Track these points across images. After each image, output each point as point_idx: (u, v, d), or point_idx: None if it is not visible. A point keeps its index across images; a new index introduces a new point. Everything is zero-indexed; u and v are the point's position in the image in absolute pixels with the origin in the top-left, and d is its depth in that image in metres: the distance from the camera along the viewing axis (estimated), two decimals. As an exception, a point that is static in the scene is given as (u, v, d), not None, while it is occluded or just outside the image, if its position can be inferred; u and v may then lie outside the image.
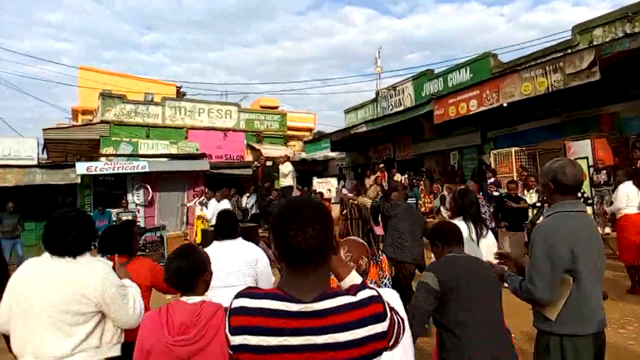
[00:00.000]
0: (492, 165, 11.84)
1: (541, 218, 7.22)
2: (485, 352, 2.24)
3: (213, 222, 10.50)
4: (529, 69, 10.16)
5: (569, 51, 10.45)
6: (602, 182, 9.17)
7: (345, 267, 1.47)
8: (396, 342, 1.35)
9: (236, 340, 1.23)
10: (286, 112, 23.32)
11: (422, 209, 12.80)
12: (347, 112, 21.20)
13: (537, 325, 2.42)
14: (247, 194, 14.66)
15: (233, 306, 1.28)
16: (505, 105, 10.81)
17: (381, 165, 15.95)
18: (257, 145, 19.58)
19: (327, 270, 1.34)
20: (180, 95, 23.43)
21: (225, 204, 11.73)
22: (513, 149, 11.17)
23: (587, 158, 9.11)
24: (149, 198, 14.66)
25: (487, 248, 3.34)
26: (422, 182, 14.13)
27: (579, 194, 7.28)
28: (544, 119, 12.27)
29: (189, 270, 2.15)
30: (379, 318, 1.27)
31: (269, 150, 18.79)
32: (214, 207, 11.73)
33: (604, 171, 9.22)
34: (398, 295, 2.13)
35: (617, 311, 5.70)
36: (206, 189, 13.39)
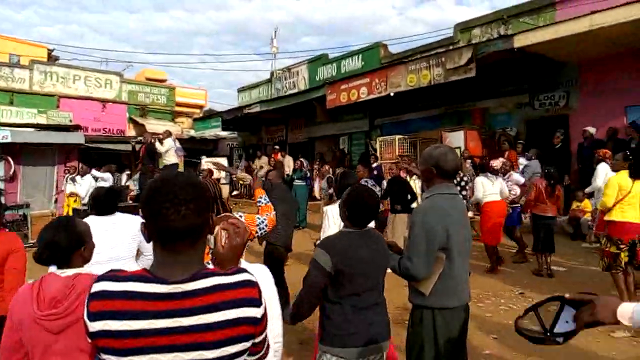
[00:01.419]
0: (378, 151, 12.39)
1: None
2: (363, 320, 2.38)
3: (87, 200, 9.66)
4: (415, 62, 10.76)
5: (451, 47, 11.23)
6: (467, 170, 10.08)
7: (235, 260, 1.45)
8: (266, 340, 1.34)
9: (96, 326, 1.14)
10: (175, 87, 22.17)
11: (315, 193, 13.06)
12: (240, 90, 20.75)
13: (412, 299, 2.56)
14: (128, 172, 13.70)
15: (92, 290, 1.18)
16: (392, 94, 11.34)
17: (276, 147, 15.87)
18: (140, 120, 18.38)
19: (202, 250, 1.28)
20: (52, 59, 21.06)
21: (105, 180, 10.86)
22: (397, 137, 11.80)
23: (460, 148, 9.91)
24: (11, 172, 13.00)
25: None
26: (315, 165, 14.37)
27: (458, 179, 7.91)
28: (426, 109, 13.14)
29: (67, 243, 2.01)
30: (253, 302, 1.24)
31: (154, 125, 17.73)
32: (89, 184, 10.79)
33: (469, 160, 10.15)
34: (269, 272, 2.12)
35: (477, 287, 6.31)
36: (80, 164, 12.23)
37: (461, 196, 6.82)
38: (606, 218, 5.36)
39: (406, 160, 9.70)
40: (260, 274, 2.13)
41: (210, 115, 19.53)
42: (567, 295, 1.52)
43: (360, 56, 14.81)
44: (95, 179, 11.26)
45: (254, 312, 1.23)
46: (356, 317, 2.36)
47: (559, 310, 1.54)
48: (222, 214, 2.31)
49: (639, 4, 7.28)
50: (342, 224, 3.47)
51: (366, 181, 6.97)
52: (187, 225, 1.17)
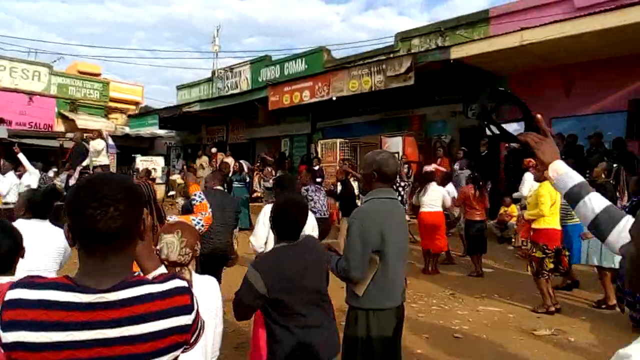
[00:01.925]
0: (319, 154, 12.48)
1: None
2: (314, 339, 2.26)
3: (9, 199, 8.97)
4: (357, 68, 10.95)
5: (391, 56, 11.53)
6: (404, 175, 10.40)
7: (153, 260, 1.37)
8: (198, 338, 1.28)
9: (9, 337, 1.04)
10: (109, 81, 21.18)
11: (255, 194, 12.90)
12: (179, 88, 20.17)
13: (348, 301, 2.58)
14: (55, 169, 12.90)
15: (6, 298, 1.08)
16: (334, 99, 11.47)
17: (213, 150, 15.50)
18: (70, 115, 17.38)
19: (130, 255, 1.20)
20: (-27, 45, 19.43)
21: (32, 179, 10.13)
22: (338, 140, 11.96)
23: (398, 153, 10.19)
24: None
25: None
26: (256, 167, 14.22)
27: (398, 183, 8.10)
28: (367, 115, 13.41)
29: (8, 248, 1.89)
30: (184, 310, 1.18)
31: (85, 121, 16.84)
32: (11, 182, 10.03)
33: (406, 165, 10.48)
34: (217, 284, 2.07)
35: (411, 288, 6.48)
36: (2, 160, 11.35)
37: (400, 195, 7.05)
38: (533, 225, 5.67)
39: (347, 164, 9.84)
40: (208, 286, 2.07)
41: (146, 112, 18.78)
42: (538, 116, 1.61)
43: (303, 59, 14.86)
44: (19, 176, 10.49)
45: (186, 320, 1.17)
46: (306, 337, 2.24)
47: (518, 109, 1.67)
48: (179, 221, 2.23)
49: (565, 23, 7.83)
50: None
51: (307, 188, 6.93)
52: (115, 228, 1.09)
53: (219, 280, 5.20)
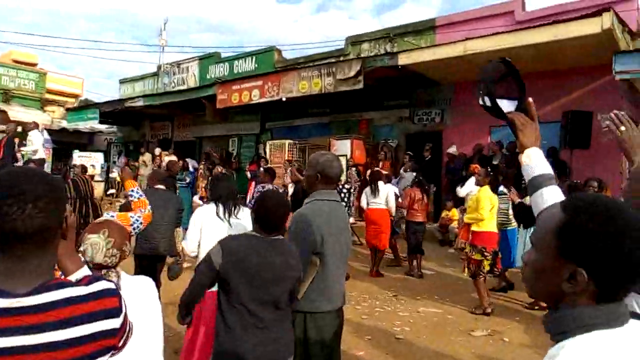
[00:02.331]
0: (267, 155, 12.36)
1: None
2: (255, 340, 2.20)
3: None
4: (307, 69, 10.93)
5: (341, 59, 11.62)
6: (348, 179, 10.52)
7: (75, 261, 1.29)
8: (127, 341, 1.22)
9: None
10: (46, 72, 20.01)
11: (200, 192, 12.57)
12: (123, 82, 19.39)
13: None
14: (-17, 162, 11.99)
15: None
16: (284, 99, 11.41)
17: (157, 151, 14.88)
18: (3, 106, 16.28)
19: (51, 257, 1.13)
20: None
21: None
22: (287, 141, 11.90)
23: (346, 156, 10.28)
24: None
25: (237, 227, 3.39)
26: (200, 166, 13.87)
27: (340, 186, 8.14)
28: (316, 117, 13.44)
29: None
30: (112, 313, 1.12)
31: (19, 113, 15.83)
32: None
33: (354, 168, 10.62)
34: (153, 285, 1.98)
35: (356, 290, 6.56)
36: None
37: (343, 203, 7.08)
38: (473, 228, 5.88)
39: (295, 165, 9.81)
40: (142, 287, 1.96)
41: (86, 105, 17.87)
42: (529, 100, 1.63)
43: (254, 58, 14.69)
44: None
45: (113, 324, 1.12)
46: (246, 336, 2.18)
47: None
48: (105, 219, 2.10)
49: (504, 35, 8.18)
50: (205, 226, 3.41)
51: (263, 187, 6.83)
52: (33, 227, 1.02)
53: (158, 283, 5.03)
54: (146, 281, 2.02)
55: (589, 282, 0.90)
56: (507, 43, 8.00)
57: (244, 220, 3.59)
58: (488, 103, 1.69)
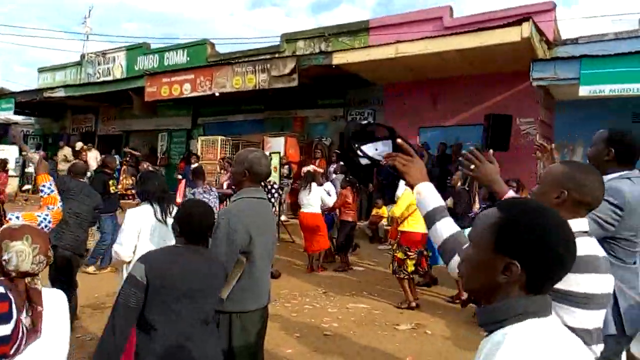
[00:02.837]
0: (199, 152, 12.03)
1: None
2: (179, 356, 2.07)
3: None
4: (242, 65, 10.75)
5: (277, 56, 11.53)
6: (284, 175, 10.50)
7: None
8: (18, 350, 1.11)
9: None
10: (-47, 56, 18.25)
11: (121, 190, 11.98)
12: (42, 71, 18.09)
13: None
14: None
15: None
16: (217, 94, 11.15)
17: (78, 145, 13.93)
18: None
19: None
20: None
21: None
22: (219, 138, 11.64)
23: (279, 153, 10.22)
24: None
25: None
26: (125, 162, 13.25)
27: (269, 186, 8.04)
28: (250, 113, 13.27)
29: None
30: (2, 318, 1.09)
31: None
32: None
33: (287, 166, 10.59)
34: (65, 298, 1.83)
35: (287, 287, 6.54)
36: None
37: (271, 202, 7.03)
38: (400, 228, 6.02)
39: (226, 162, 9.61)
40: (54, 300, 1.79)
41: (0, 95, 16.52)
42: (399, 141, 1.68)
43: (185, 51, 14.23)
44: None
45: (4, 330, 1.06)
46: (170, 352, 2.04)
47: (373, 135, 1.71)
48: (23, 224, 1.90)
49: (432, 40, 8.48)
50: (144, 229, 3.20)
51: (194, 191, 6.43)
52: None
53: (74, 284, 4.71)
54: (57, 295, 1.86)
55: (522, 274, 0.99)
56: (436, 47, 8.30)
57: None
58: (365, 161, 1.71)
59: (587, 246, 1.58)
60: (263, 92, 11.21)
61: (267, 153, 10.21)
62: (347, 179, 7.90)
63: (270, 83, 10.11)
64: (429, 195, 1.61)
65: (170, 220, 3.29)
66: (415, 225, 5.86)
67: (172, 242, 3.15)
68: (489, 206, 5.38)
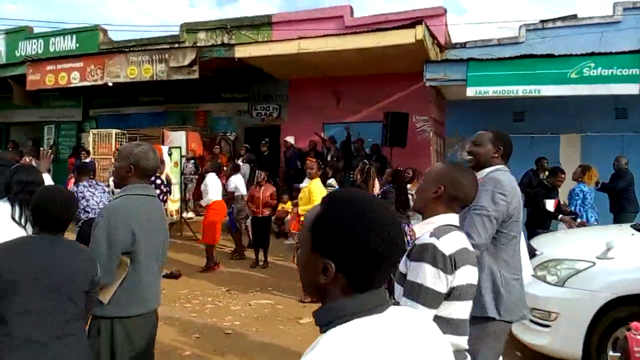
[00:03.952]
0: (91, 145, 11.17)
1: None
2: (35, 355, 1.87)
3: None
4: (137, 54, 10.15)
5: (176, 46, 11.05)
6: (191, 172, 10.17)
7: None
8: None
9: None
10: None
11: None
12: None
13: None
14: None
15: None
16: (110, 84, 10.43)
17: None
18: None
19: None
20: None
21: None
22: (114, 131, 10.88)
23: (180, 148, 9.83)
24: None
25: None
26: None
27: (159, 181, 7.69)
28: (149, 105, 12.61)
29: None
30: None
31: None
32: None
33: (192, 161, 10.25)
34: None
35: (187, 287, 6.33)
36: None
37: (162, 199, 6.71)
38: (303, 219, 6.09)
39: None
40: None
41: None
42: None
43: (74, 37, 13.10)
44: None
45: None
46: (20, 354, 1.84)
47: None
48: None
49: (333, 38, 8.65)
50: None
51: (77, 185, 5.94)
52: None
53: None
54: None
55: (338, 274, 0.94)
56: (336, 45, 8.48)
57: None
58: None
59: (460, 240, 1.70)
60: (163, 84, 10.70)
61: (168, 147, 9.79)
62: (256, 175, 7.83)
63: (169, 74, 9.68)
64: None
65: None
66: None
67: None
68: (388, 190, 5.56)
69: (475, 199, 2.21)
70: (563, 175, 6.49)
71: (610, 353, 3.58)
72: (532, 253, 4.14)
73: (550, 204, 6.20)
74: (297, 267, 6.09)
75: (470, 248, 1.73)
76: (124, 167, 2.40)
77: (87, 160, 10.23)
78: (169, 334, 4.70)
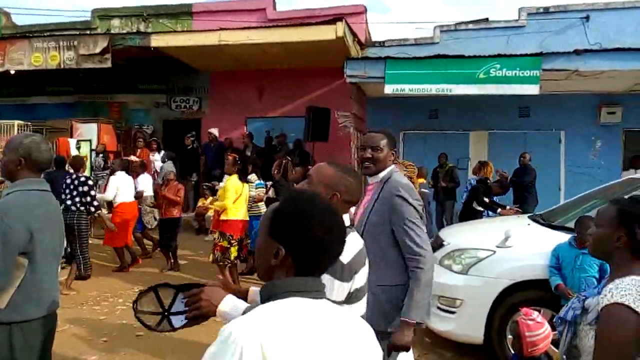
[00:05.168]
0: (-11, 138, 10.21)
1: None
2: None
3: None
4: (42, 40, 9.42)
5: (88, 32, 10.37)
6: (101, 166, 9.59)
7: None
8: None
9: None
10: None
11: None
12: None
13: None
14: None
15: None
16: (12, 72, 9.60)
17: None
18: None
19: None
20: None
21: None
22: (16, 122, 10.01)
23: (90, 141, 9.27)
24: None
25: None
26: None
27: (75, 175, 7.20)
28: (57, 95, 11.77)
29: None
30: None
31: None
32: None
33: (101, 155, 9.67)
34: None
35: (97, 289, 5.99)
36: None
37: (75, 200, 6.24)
38: (221, 217, 5.96)
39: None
40: None
41: None
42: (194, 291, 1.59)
43: (-30, 18, 11.90)
44: None
45: None
46: None
47: (174, 297, 1.67)
48: None
49: (253, 31, 8.55)
50: None
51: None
52: None
53: None
54: None
55: (287, 257, 1.10)
56: (259, 38, 8.40)
57: None
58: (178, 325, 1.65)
59: (354, 244, 1.70)
60: (73, 73, 10.03)
61: (76, 140, 9.19)
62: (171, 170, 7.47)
63: (79, 62, 9.08)
64: (234, 304, 1.54)
65: None
66: (237, 213, 5.91)
67: None
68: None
69: (397, 211, 2.29)
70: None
71: (509, 336, 3.87)
72: (440, 243, 4.36)
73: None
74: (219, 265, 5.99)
75: (362, 245, 1.76)
76: (13, 161, 2.21)
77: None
78: (75, 338, 4.45)
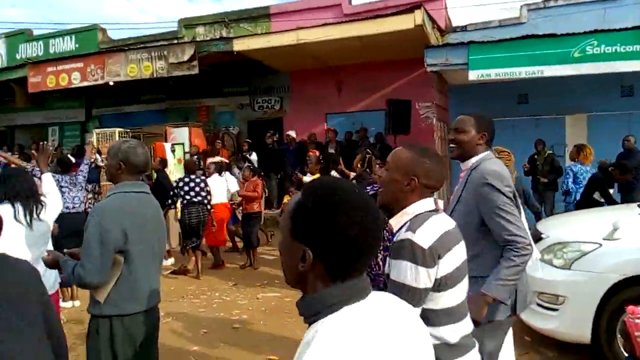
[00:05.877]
0: (96, 145, 11.19)
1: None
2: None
3: None
4: (135, 51, 10.14)
5: (176, 42, 11.00)
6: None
7: None
8: None
9: None
10: None
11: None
12: None
13: (89, 309, 2.29)
14: None
15: None
16: (111, 83, 10.45)
17: None
18: None
19: None
20: None
21: None
22: (117, 130, 10.89)
23: (183, 144, 9.84)
24: None
25: (39, 228, 3.03)
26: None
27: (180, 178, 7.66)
28: (151, 103, 12.63)
29: None
30: None
31: None
32: None
33: (195, 157, 10.19)
34: None
35: (195, 284, 6.36)
36: None
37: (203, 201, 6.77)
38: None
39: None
40: None
41: None
42: None
43: (74, 37, 13.08)
44: None
45: None
46: None
47: None
48: None
49: (331, 27, 8.56)
50: None
51: (58, 178, 5.96)
52: None
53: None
54: None
55: (317, 262, 0.93)
56: (335, 34, 8.39)
57: (47, 220, 3.17)
58: None
59: (438, 226, 1.60)
60: (163, 81, 10.69)
61: (170, 144, 9.79)
62: (251, 168, 7.73)
63: (169, 71, 9.66)
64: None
65: (37, 223, 3.02)
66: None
67: (37, 247, 2.88)
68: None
69: (486, 200, 2.17)
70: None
71: (619, 336, 3.54)
72: (538, 236, 4.09)
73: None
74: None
75: (451, 228, 1.64)
76: (114, 165, 2.37)
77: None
78: (177, 330, 4.73)
